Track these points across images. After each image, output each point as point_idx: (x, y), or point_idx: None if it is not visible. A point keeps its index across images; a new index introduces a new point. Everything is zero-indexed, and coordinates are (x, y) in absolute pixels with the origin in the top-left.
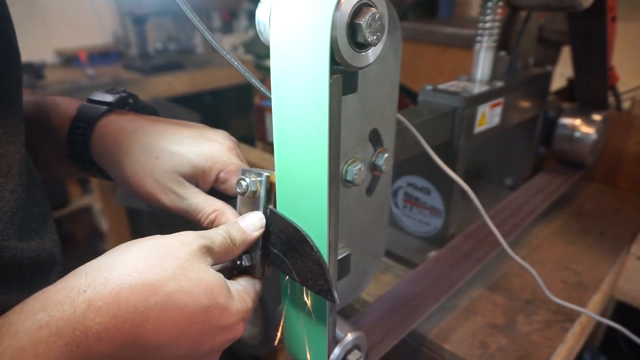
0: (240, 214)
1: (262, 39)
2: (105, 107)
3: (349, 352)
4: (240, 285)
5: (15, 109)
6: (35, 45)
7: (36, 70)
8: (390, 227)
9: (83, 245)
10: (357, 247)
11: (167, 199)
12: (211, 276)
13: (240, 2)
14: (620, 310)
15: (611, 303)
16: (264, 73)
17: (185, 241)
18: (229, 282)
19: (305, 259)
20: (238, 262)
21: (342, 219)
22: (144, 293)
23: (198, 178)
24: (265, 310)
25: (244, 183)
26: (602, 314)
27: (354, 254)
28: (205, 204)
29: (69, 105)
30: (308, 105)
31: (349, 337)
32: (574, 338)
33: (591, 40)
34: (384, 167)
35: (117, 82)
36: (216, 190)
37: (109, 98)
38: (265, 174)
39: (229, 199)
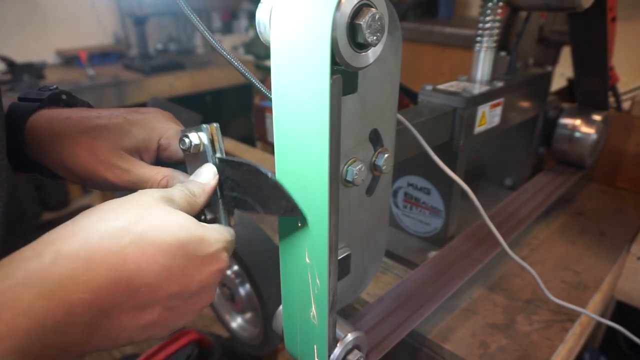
0: (191, 174)
1: (262, 40)
2: (36, 104)
3: (349, 352)
4: (213, 225)
5: None
6: (35, 46)
7: (36, 71)
8: (390, 227)
9: None
10: (357, 247)
11: (112, 176)
12: (179, 214)
13: (241, 3)
14: (620, 310)
15: (611, 303)
16: (264, 73)
17: (146, 192)
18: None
19: (263, 188)
20: (202, 217)
21: (342, 219)
22: (115, 235)
23: (140, 149)
24: (265, 310)
25: (186, 140)
26: (602, 314)
27: (354, 254)
28: (152, 171)
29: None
30: (308, 106)
31: (349, 337)
32: (574, 338)
33: (591, 40)
34: (384, 167)
35: (117, 82)
36: (161, 162)
37: (40, 95)
38: (205, 126)
39: (176, 166)
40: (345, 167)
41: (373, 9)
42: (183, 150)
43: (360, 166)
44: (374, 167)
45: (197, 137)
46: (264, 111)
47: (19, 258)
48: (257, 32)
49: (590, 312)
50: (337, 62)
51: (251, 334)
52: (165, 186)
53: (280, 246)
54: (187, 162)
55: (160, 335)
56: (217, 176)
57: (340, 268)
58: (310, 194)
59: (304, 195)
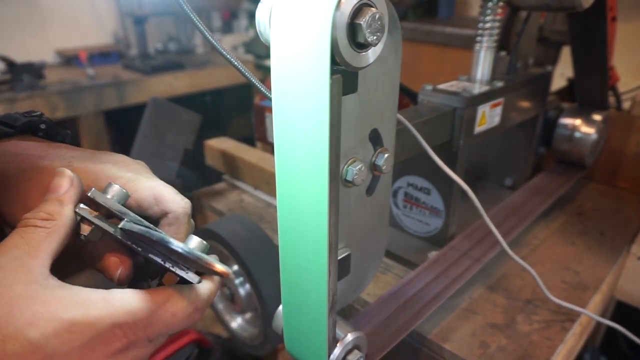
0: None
1: (262, 39)
2: (8, 130)
3: (349, 352)
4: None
5: None
6: (35, 45)
7: (36, 71)
8: (390, 227)
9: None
10: (357, 247)
11: None
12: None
13: (240, 2)
14: (620, 310)
15: (611, 303)
16: (264, 73)
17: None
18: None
19: (159, 247)
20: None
21: (342, 219)
22: None
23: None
24: (265, 310)
25: (82, 236)
26: (602, 314)
27: (354, 254)
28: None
29: None
30: (308, 105)
31: (349, 337)
32: (574, 338)
33: (591, 40)
34: (384, 167)
35: (117, 82)
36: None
37: (15, 120)
38: (79, 207)
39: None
40: (345, 167)
41: (373, 9)
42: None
43: (360, 166)
44: (374, 167)
45: (85, 228)
46: (264, 111)
47: None
48: (257, 32)
49: (590, 312)
50: (337, 62)
51: (251, 334)
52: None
53: (280, 246)
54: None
55: None
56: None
57: (340, 268)
58: (310, 194)
59: (304, 195)
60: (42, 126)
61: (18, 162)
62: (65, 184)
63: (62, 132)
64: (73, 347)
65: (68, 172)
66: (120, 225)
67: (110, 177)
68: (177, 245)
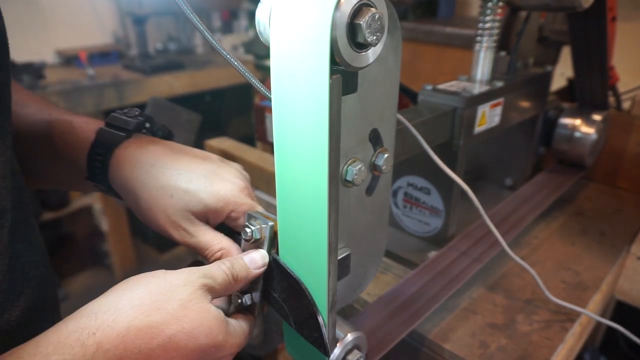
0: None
1: (262, 39)
2: (123, 135)
3: (349, 352)
4: (238, 323)
5: (4, 107)
6: (35, 46)
7: (36, 70)
8: (390, 227)
9: (83, 245)
10: (357, 247)
11: (177, 235)
12: (212, 316)
13: (240, 2)
14: (620, 310)
15: (611, 303)
16: (264, 73)
17: (188, 280)
18: (228, 319)
19: (302, 310)
20: (239, 301)
21: (342, 219)
22: (148, 335)
23: (209, 216)
24: None
25: (248, 230)
26: (602, 314)
27: (354, 254)
28: (212, 241)
29: (87, 130)
30: (308, 105)
31: (349, 337)
32: (574, 338)
33: (591, 40)
34: (384, 167)
35: (117, 82)
36: (226, 226)
37: (127, 123)
38: (270, 223)
39: (237, 234)
40: (345, 167)
41: (373, 9)
42: (243, 238)
43: (360, 166)
44: (373, 167)
45: (259, 232)
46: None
47: (65, 344)
48: (257, 32)
49: (590, 312)
50: (336, 62)
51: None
52: (219, 258)
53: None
54: (244, 245)
55: None
56: (265, 267)
57: (340, 268)
58: (310, 194)
59: (303, 196)
60: (147, 125)
61: (154, 176)
62: (261, 268)
63: (162, 128)
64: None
65: (266, 257)
66: (273, 253)
67: (235, 203)
68: (310, 295)
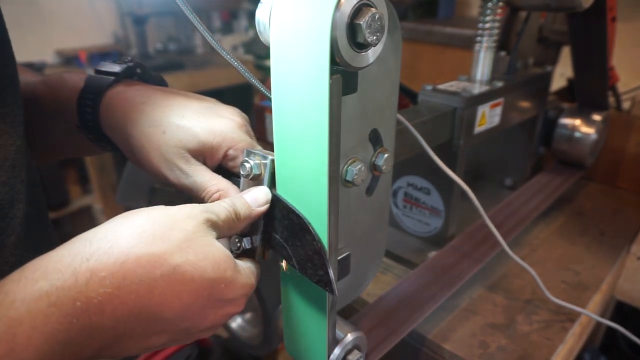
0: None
1: (262, 39)
2: (112, 78)
3: (349, 352)
4: (246, 264)
5: (16, 97)
6: (35, 46)
7: (36, 71)
8: (390, 227)
9: None
10: (357, 247)
11: (171, 175)
12: (217, 249)
13: (240, 2)
14: (620, 310)
15: (611, 303)
16: (264, 73)
17: (191, 214)
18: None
19: (306, 248)
20: (238, 245)
21: (342, 219)
22: (150, 264)
23: (205, 154)
24: (265, 310)
25: (247, 165)
26: (602, 314)
27: (354, 254)
28: (209, 182)
29: (76, 79)
30: (308, 106)
31: (349, 337)
32: (574, 338)
33: (591, 40)
34: (384, 167)
35: None
36: (223, 168)
37: (116, 68)
38: (270, 157)
39: (236, 176)
40: (345, 167)
41: (373, 9)
42: (242, 174)
43: (360, 166)
44: (373, 167)
45: (258, 167)
46: (264, 111)
47: (54, 269)
48: (257, 32)
49: (590, 312)
50: (336, 62)
51: (251, 334)
52: (217, 199)
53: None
54: (242, 183)
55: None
56: (268, 205)
57: (340, 268)
58: (310, 194)
59: (303, 195)
60: (138, 70)
61: (146, 113)
62: (264, 206)
63: (155, 76)
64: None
65: (268, 194)
66: (273, 191)
67: (233, 139)
68: (315, 232)
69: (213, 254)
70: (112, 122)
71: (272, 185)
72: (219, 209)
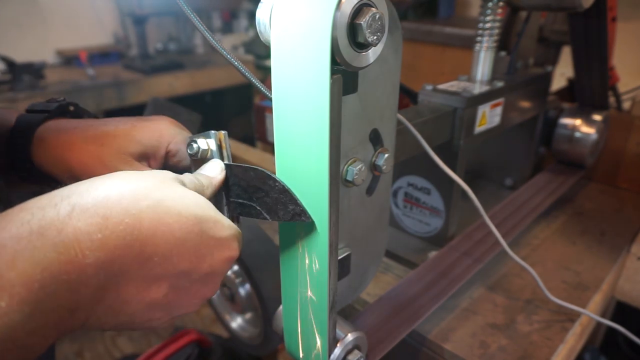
0: None
1: (262, 39)
2: (44, 115)
3: (349, 352)
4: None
5: None
6: (35, 45)
7: (36, 71)
8: (390, 227)
9: None
10: (357, 247)
11: None
12: (194, 193)
13: (241, 2)
14: (620, 310)
15: (611, 303)
16: (264, 73)
17: (159, 171)
18: None
19: (271, 193)
20: None
21: (342, 219)
22: (134, 197)
23: (149, 155)
24: (265, 310)
25: (195, 145)
26: (602, 314)
27: (354, 254)
28: None
29: (7, 117)
30: (308, 105)
31: (349, 337)
32: (574, 338)
33: (591, 40)
34: (384, 167)
35: (117, 82)
36: (169, 167)
37: (48, 107)
38: (213, 132)
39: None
40: (346, 167)
41: (373, 9)
42: (190, 155)
43: (360, 166)
44: (374, 167)
45: (205, 143)
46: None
47: (35, 206)
48: (257, 32)
49: (590, 312)
50: (337, 62)
51: (251, 334)
52: None
53: (280, 246)
54: (194, 168)
55: (160, 323)
56: (224, 172)
57: (340, 268)
58: (311, 194)
59: (304, 195)
60: (71, 108)
61: (80, 133)
62: (221, 173)
63: (88, 112)
64: None
65: (221, 163)
66: (225, 162)
67: (170, 135)
68: (273, 175)
69: (193, 194)
70: (47, 153)
71: (222, 157)
72: (184, 176)
